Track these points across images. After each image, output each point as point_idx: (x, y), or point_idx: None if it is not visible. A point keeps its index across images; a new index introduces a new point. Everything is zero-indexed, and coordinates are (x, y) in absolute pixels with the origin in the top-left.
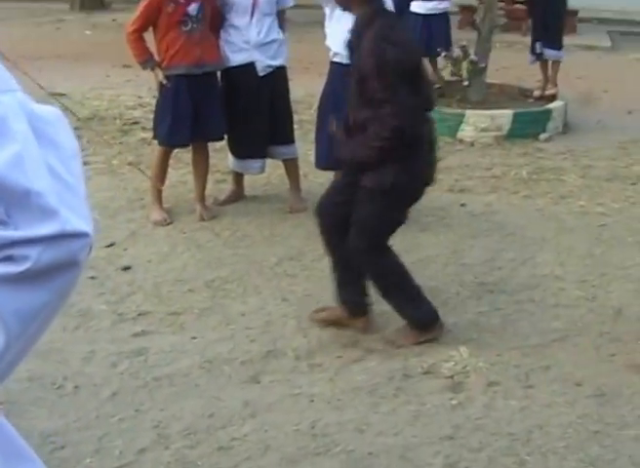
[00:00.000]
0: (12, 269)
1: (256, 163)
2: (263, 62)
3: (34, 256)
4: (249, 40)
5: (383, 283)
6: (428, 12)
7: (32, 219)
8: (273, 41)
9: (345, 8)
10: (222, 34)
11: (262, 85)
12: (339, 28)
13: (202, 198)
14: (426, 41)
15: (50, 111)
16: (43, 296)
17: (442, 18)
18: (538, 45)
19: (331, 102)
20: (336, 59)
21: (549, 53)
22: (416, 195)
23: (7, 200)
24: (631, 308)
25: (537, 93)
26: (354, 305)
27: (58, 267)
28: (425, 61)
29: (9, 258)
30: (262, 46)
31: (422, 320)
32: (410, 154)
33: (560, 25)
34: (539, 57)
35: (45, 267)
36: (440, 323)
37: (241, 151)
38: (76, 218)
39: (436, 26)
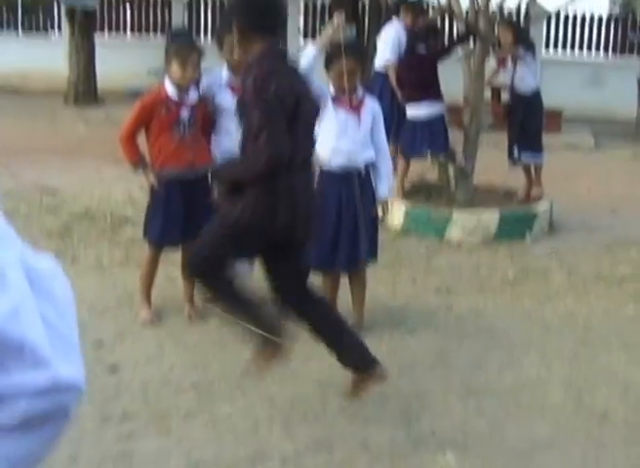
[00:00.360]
0: (1, 417)
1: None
2: None
3: (23, 406)
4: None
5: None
6: (423, 116)
7: (25, 369)
8: None
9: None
10: (214, 137)
11: None
12: (326, 135)
13: (191, 298)
14: (428, 143)
15: (46, 264)
16: (32, 445)
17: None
18: (514, 149)
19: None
20: (324, 167)
21: (528, 157)
22: (262, 237)
23: (0, 349)
24: (617, 412)
25: (521, 194)
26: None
27: (47, 417)
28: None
29: None
30: None
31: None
32: (268, 195)
33: (539, 129)
34: (516, 161)
35: (33, 417)
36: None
37: None
38: (68, 369)
39: (434, 129)
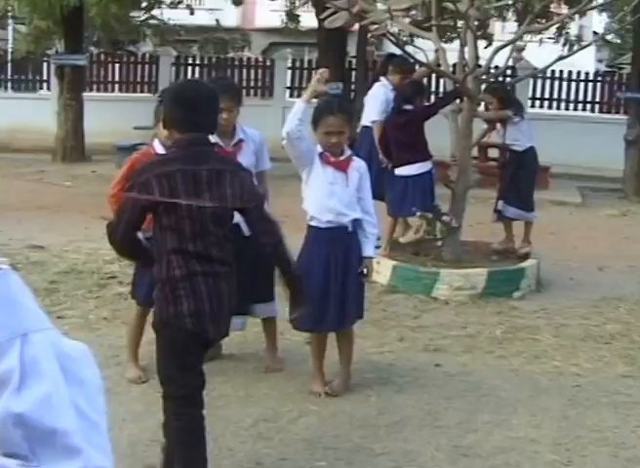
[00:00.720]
0: None
1: (237, 319)
2: None
3: None
4: None
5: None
6: (414, 176)
7: (56, 457)
8: None
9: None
10: None
11: (247, 244)
12: (314, 192)
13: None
14: (418, 202)
15: (78, 348)
16: None
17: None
18: (500, 203)
19: (305, 267)
20: (312, 223)
21: (515, 213)
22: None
23: (32, 438)
24: None
25: (496, 246)
26: None
27: None
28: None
29: None
30: None
31: None
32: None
33: (531, 187)
34: (500, 215)
35: None
36: None
37: None
38: (99, 457)
39: (424, 188)
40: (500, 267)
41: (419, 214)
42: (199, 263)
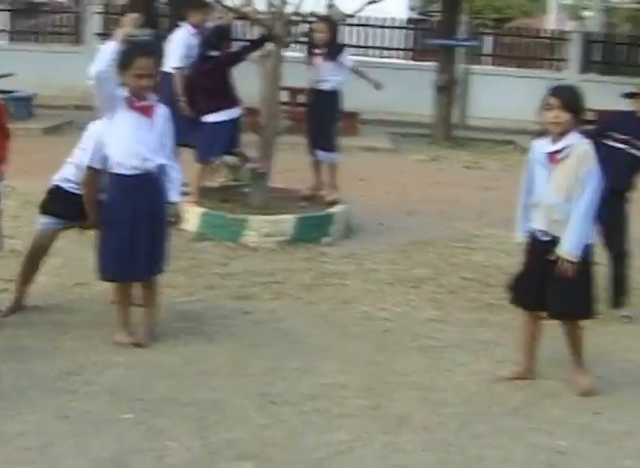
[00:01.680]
0: None
1: None
2: None
3: None
4: None
5: None
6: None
7: None
8: None
9: None
10: None
11: None
12: (119, 137)
13: None
14: (224, 147)
15: None
16: None
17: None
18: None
19: (111, 215)
20: (116, 170)
21: (323, 155)
22: None
23: None
24: (415, 416)
25: (305, 192)
26: None
27: None
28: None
29: None
30: None
31: None
32: None
33: (333, 128)
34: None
35: None
36: None
37: None
38: None
39: (232, 134)
40: (309, 213)
41: (219, 161)
42: None
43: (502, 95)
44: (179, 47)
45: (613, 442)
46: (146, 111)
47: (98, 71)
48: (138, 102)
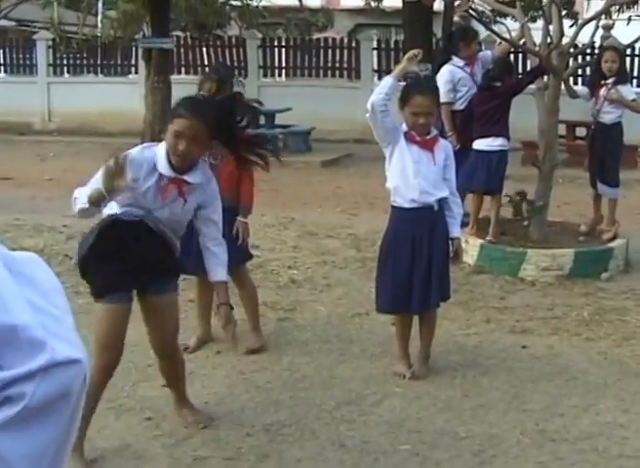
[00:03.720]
0: (10, 412)
1: None
2: None
3: (29, 393)
4: None
5: None
6: (486, 148)
7: (23, 356)
8: None
9: None
10: None
11: None
12: (399, 171)
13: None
14: (485, 177)
15: (26, 254)
16: (47, 433)
17: (497, 155)
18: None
19: (390, 248)
20: (396, 204)
21: (605, 190)
22: None
23: None
24: None
25: (583, 228)
26: None
27: (54, 400)
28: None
29: (6, 401)
30: None
31: None
32: None
33: (616, 162)
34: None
35: (42, 402)
36: None
37: None
38: (65, 346)
39: (492, 164)
40: (588, 248)
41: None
42: None
43: None
44: (442, 83)
45: None
46: (427, 145)
47: (373, 102)
48: (417, 137)
